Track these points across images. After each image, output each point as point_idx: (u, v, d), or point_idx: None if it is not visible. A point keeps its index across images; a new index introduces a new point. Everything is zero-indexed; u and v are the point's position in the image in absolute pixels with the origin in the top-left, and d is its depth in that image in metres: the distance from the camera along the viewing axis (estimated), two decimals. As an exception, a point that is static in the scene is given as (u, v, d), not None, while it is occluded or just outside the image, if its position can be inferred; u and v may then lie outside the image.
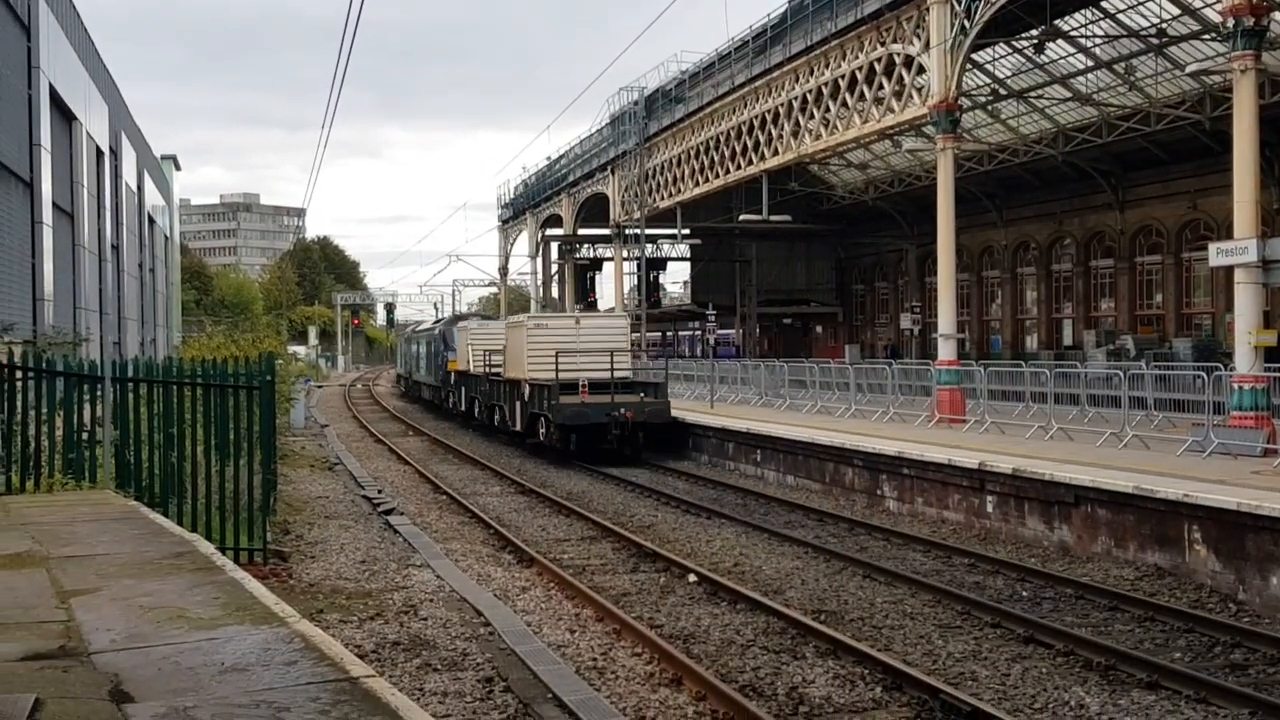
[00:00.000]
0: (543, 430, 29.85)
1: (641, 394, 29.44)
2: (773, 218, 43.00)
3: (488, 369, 36.22)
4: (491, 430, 36.09)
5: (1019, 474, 17.27)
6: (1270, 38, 22.92)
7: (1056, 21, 31.80)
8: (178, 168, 74.29)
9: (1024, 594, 13.84)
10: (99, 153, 39.68)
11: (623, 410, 27.73)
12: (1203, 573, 13.94)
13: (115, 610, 6.34)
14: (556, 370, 27.91)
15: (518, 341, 31.40)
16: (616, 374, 28.61)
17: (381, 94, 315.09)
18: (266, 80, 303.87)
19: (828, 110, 33.64)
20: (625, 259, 56.37)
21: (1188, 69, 28.44)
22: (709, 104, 42.16)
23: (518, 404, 31.76)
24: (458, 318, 55.15)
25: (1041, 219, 46.72)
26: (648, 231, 50.84)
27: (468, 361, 40.11)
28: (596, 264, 65.22)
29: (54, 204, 31.02)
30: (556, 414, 27.96)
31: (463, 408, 41.58)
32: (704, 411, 31.24)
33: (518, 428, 31.93)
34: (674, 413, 29.32)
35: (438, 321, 59.54)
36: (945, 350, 26.94)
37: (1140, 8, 31.91)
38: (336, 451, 30.99)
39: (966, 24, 26.08)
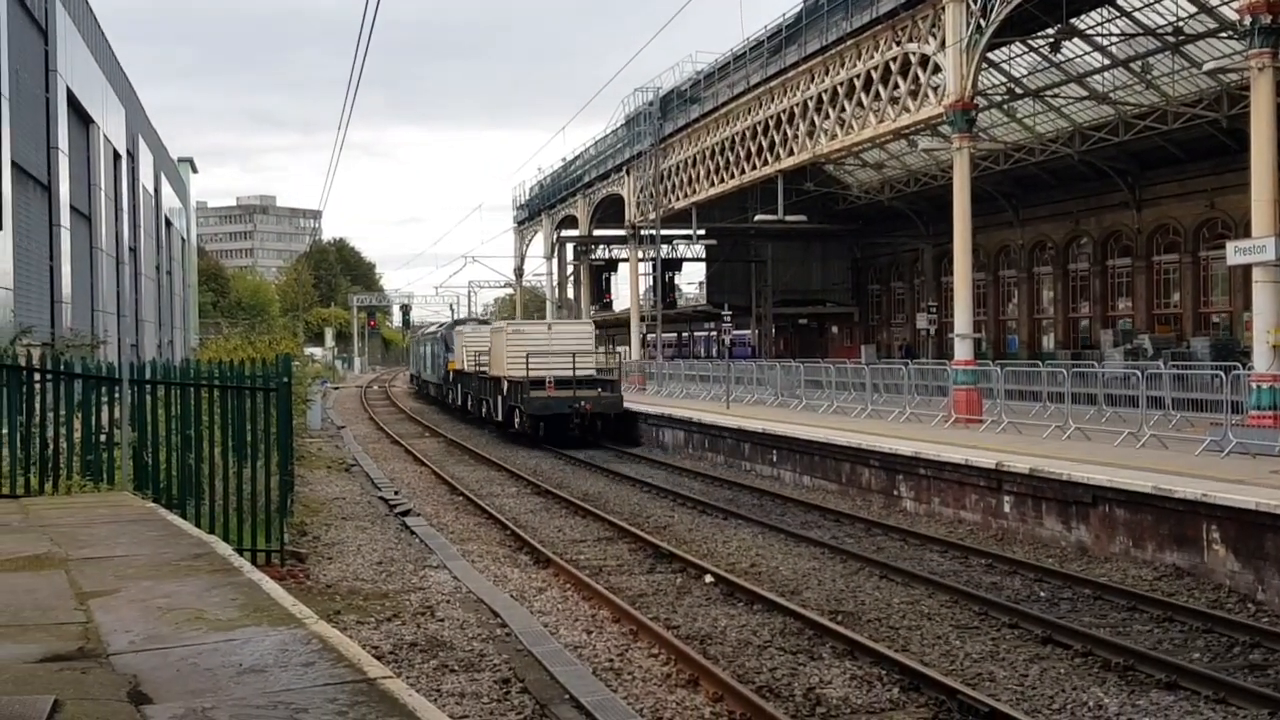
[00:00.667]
0: (516, 420, 34.14)
1: (599, 389, 33.42)
2: (788, 218, 42.90)
3: (478, 368, 40.46)
4: (505, 431, 36.41)
5: (1036, 474, 17.20)
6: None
7: (1072, 20, 31.67)
8: (194, 170, 74.65)
9: (1042, 594, 13.78)
10: (116, 155, 39.90)
11: (582, 403, 32.23)
12: (1221, 573, 13.87)
13: (134, 612, 6.37)
14: (527, 368, 32.43)
15: (499, 344, 36.06)
16: (578, 372, 32.84)
17: (394, 94, 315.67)
18: (279, 82, 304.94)
19: (843, 110, 33.57)
20: (641, 260, 56.38)
21: (1205, 67, 28.36)
22: (724, 104, 42.10)
23: (499, 398, 36.18)
24: (456, 322, 58.22)
25: (1058, 218, 46.53)
26: (663, 232, 50.82)
27: (463, 362, 44.50)
28: (612, 265, 65.31)
29: (72, 207, 31.22)
30: (527, 405, 32.56)
31: (459, 403, 45.75)
32: (719, 412, 31.25)
33: (499, 418, 36.35)
34: (685, 413, 31.66)
35: (442, 325, 61.26)
36: (962, 350, 26.87)
37: (1157, 6, 31.74)
38: (353, 453, 31.11)
39: (982, 23, 26.01)
